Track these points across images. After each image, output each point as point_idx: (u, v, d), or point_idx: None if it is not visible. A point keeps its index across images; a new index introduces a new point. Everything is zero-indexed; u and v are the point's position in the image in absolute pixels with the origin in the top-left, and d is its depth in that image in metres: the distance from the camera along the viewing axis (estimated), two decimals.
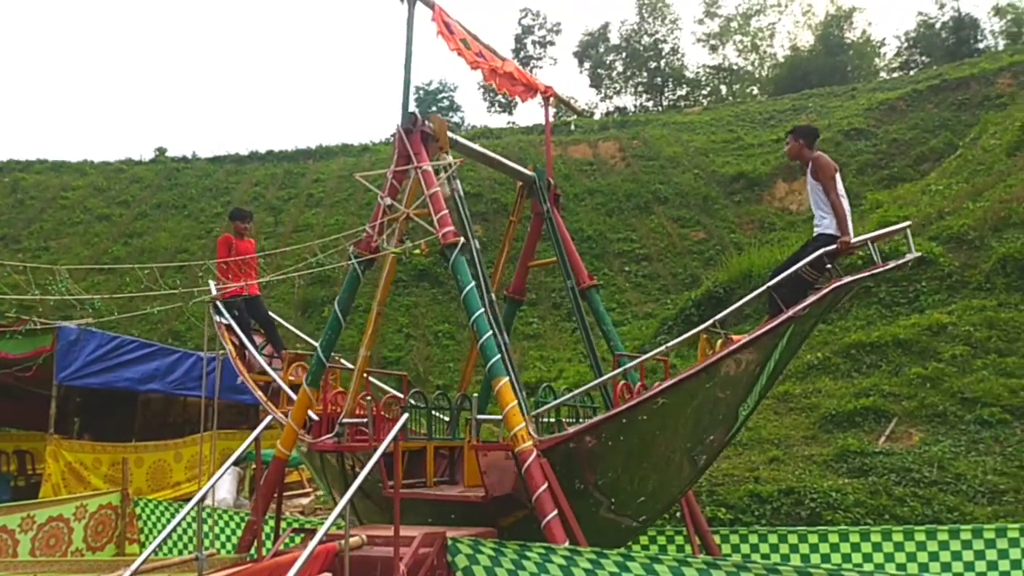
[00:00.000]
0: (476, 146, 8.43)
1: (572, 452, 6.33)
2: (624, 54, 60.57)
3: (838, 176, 6.85)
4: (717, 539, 8.29)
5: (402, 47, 7.52)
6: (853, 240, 6.61)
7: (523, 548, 5.54)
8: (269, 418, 8.23)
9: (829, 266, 6.64)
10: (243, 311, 9.97)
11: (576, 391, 7.29)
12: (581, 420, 7.40)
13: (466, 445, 7.27)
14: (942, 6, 52.97)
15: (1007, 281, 14.49)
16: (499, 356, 6.55)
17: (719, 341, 6.53)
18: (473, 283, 6.84)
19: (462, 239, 6.96)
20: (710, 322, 6.59)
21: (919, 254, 7.74)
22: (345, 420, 7.43)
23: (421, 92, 59.45)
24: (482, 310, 6.71)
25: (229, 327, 9.66)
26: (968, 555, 7.43)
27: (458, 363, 23.88)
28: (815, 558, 7.88)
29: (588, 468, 6.38)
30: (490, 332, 6.64)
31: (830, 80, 47.81)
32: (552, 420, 7.17)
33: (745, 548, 8.23)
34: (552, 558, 5.40)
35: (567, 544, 5.71)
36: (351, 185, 34.05)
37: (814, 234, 6.88)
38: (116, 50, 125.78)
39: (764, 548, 8.15)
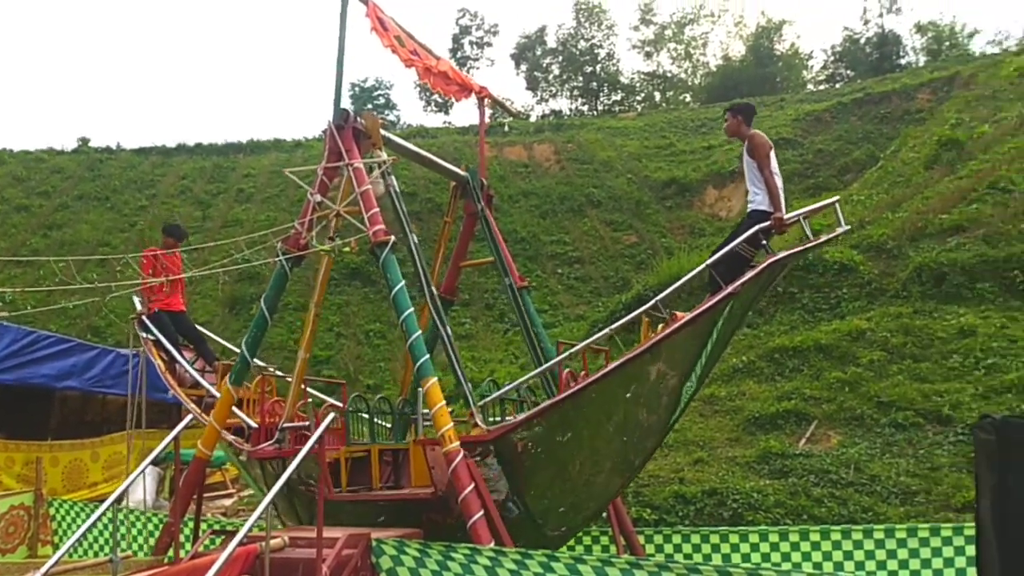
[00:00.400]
0: (410, 145, 8.37)
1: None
2: (561, 58, 60.97)
3: (772, 154, 6.99)
4: (642, 539, 8.39)
5: (336, 42, 7.43)
6: (786, 216, 6.75)
7: (448, 549, 5.52)
8: (189, 417, 8.04)
9: (764, 243, 6.77)
10: (168, 325, 9.75)
11: (521, 379, 7.32)
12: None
13: (411, 444, 7.22)
14: (867, 22, 54.83)
15: (922, 289, 15.04)
16: (427, 357, 6.52)
17: (660, 325, 6.59)
18: (403, 282, 6.80)
19: (392, 238, 6.90)
20: (651, 303, 6.66)
21: (848, 227, 7.96)
22: (286, 425, 7.32)
23: (356, 89, 58.86)
24: (411, 310, 6.66)
25: (157, 342, 9.42)
26: (881, 554, 7.68)
27: (389, 363, 23.71)
28: (736, 557, 8.04)
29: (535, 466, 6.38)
30: (419, 332, 6.60)
31: (760, 90, 48.90)
32: (497, 417, 7.18)
33: (669, 548, 8.35)
34: (477, 559, 5.39)
35: (492, 545, 5.71)
36: (283, 181, 33.50)
37: (748, 210, 7.02)
38: (38, 34, 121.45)
39: (687, 548, 8.28)
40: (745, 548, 8.06)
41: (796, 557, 7.85)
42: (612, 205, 32.51)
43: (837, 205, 7.15)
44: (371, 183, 7.24)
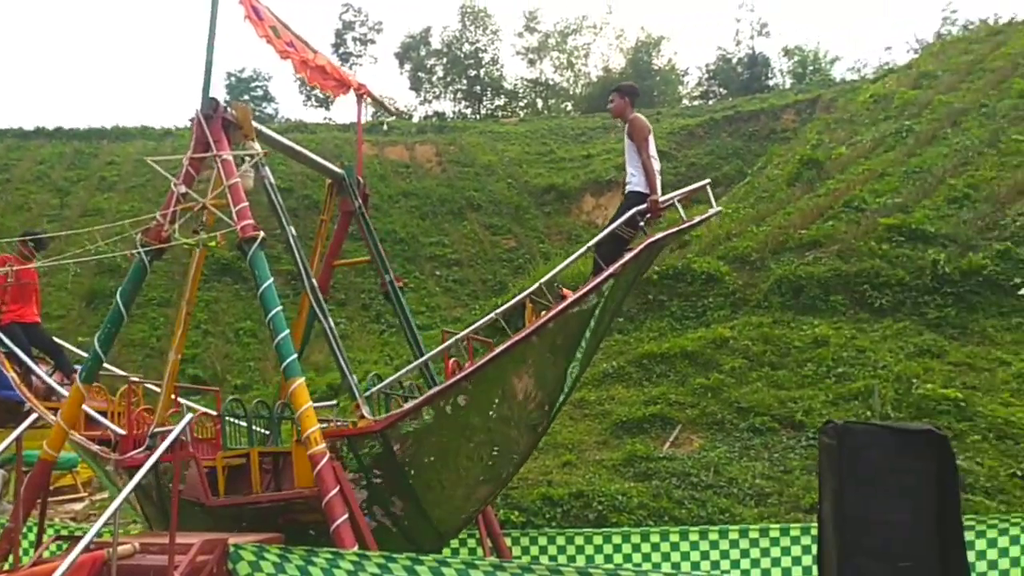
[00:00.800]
0: (283, 138, 8.16)
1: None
2: (445, 59, 60.87)
3: (651, 138, 7.23)
4: (508, 541, 8.46)
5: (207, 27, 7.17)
6: (661, 198, 6.96)
7: (310, 553, 5.40)
8: (34, 416, 7.57)
9: (642, 224, 6.96)
10: (21, 337, 9.19)
11: (407, 368, 7.28)
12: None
13: (293, 446, 7.01)
14: (739, 43, 57.22)
15: (782, 300, 15.81)
16: (295, 356, 6.38)
17: (542, 311, 6.67)
18: (271, 280, 6.62)
19: (262, 233, 6.71)
20: (535, 286, 6.75)
21: (720, 209, 8.27)
22: (157, 430, 6.99)
23: (233, 78, 56.86)
24: (279, 308, 6.50)
25: (9, 354, 8.86)
26: (735, 553, 8.03)
27: (259, 362, 23.04)
28: (599, 559, 8.22)
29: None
30: (286, 332, 6.45)
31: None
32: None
33: (535, 550, 8.45)
34: (340, 563, 5.30)
35: (356, 549, 5.62)
36: (150, 170, 31.84)
37: (626, 192, 7.21)
38: None
39: (552, 550, 8.40)
40: (608, 549, 8.26)
41: (656, 557, 8.10)
42: (492, 209, 32.70)
43: (708, 188, 7.43)
44: (241, 176, 7.02)
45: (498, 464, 6.75)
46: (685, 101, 55.29)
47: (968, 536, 7.25)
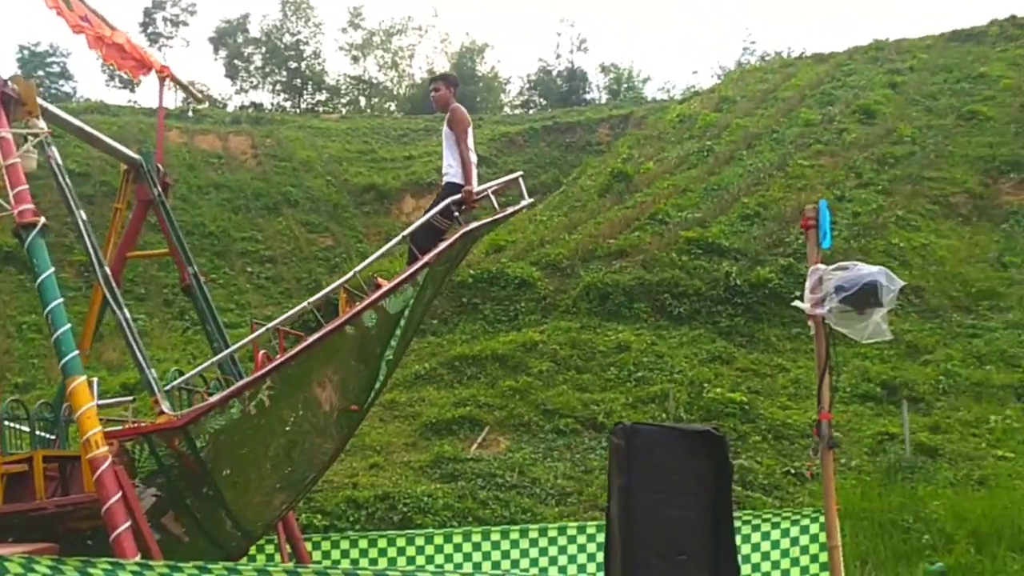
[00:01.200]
0: (74, 119, 7.57)
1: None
2: (264, 49, 58.82)
3: (471, 131, 7.27)
4: (309, 546, 8.24)
5: None
6: (476, 189, 7.02)
7: (85, 564, 5.02)
8: None
9: (457, 214, 6.99)
10: None
11: (212, 359, 6.91)
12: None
13: (81, 447, 6.44)
14: (559, 56, 59.03)
15: (590, 306, 16.44)
16: (76, 353, 5.91)
17: (357, 301, 6.54)
18: (52, 269, 6.10)
19: (42, 220, 6.18)
20: (350, 275, 6.61)
21: (532, 200, 8.45)
22: None
23: (25, 52, 52.39)
24: (60, 300, 6.00)
25: None
26: (534, 552, 8.22)
27: (45, 359, 21.27)
28: (401, 561, 8.17)
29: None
30: (67, 326, 5.96)
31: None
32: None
33: (336, 554, 8.29)
34: (119, 574, 4.97)
35: (138, 558, 5.29)
36: None
37: (443, 182, 7.23)
38: None
39: (354, 553, 8.27)
40: (411, 551, 8.22)
41: (458, 558, 8.16)
42: (309, 206, 31.92)
43: (521, 180, 7.59)
44: (22, 156, 6.45)
45: (305, 461, 6.58)
46: (507, 109, 56.39)
47: (745, 530, 7.81)
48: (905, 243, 18.40)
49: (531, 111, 53.14)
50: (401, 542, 8.27)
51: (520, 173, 7.71)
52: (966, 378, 13.91)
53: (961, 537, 8.95)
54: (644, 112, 37.15)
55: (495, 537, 8.20)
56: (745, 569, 7.47)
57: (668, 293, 16.51)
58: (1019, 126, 23.58)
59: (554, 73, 57.71)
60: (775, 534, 8.08)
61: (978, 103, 25.35)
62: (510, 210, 7.37)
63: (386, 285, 6.47)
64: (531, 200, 7.85)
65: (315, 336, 6.22)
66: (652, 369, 14.05)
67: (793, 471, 11.22)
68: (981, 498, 9.84)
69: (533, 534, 8.24)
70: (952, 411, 13.10)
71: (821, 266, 5.24)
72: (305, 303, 6.96)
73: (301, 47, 59.34)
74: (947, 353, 14.77)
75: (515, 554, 8.21)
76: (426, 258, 6.52)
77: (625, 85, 55.93)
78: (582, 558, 8.20)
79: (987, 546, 8.82)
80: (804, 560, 7.91)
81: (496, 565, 8.04)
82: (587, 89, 56.36)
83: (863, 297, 5.03)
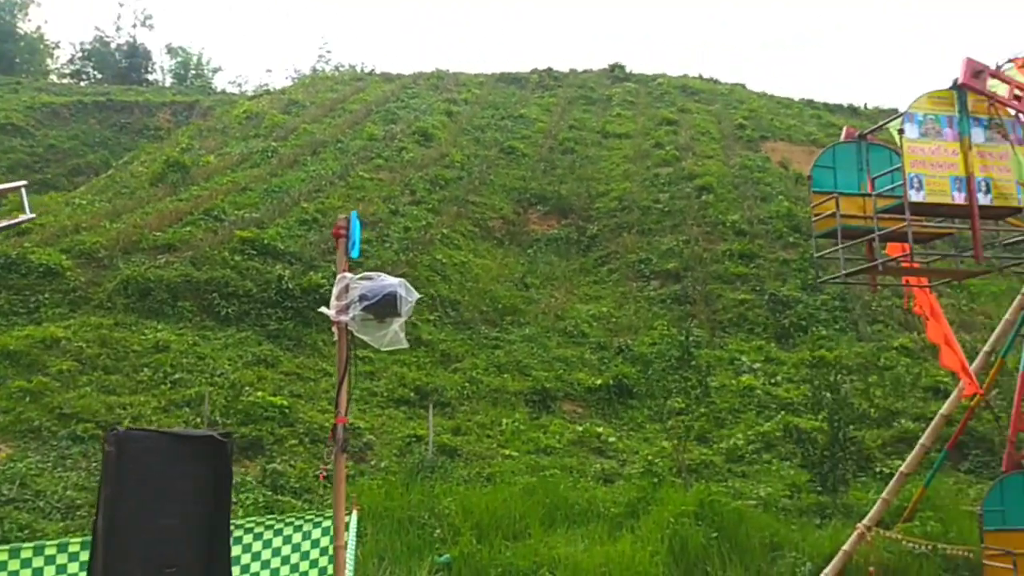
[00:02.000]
0: None
1: None
2: None
3: None
4: None
5: None
6: None
7: None
8: None
9: None
10: None
11: None
12: None
13: None
14: (119, 29, 54.22)
15: (127, 302, 15.19)
16: None
17: None
18: None
19: None
20: None
21: (34, 215, 7.53)
22: None
23: None
24: None
25: None
26: (26, 573, 7.30)
27: None
28: None
29: None
30: None
31: None
32: None
33: None
34: None
35: None
36: None
37: None
38: None
39: None
40: None
41: None
42: None
43: (23, 191, 6.75)
44: None
45: None
46: (53, 77, 50.26)
47: (267, 535, 7.75)
48: (448, 259, 19.95)
49: (83, 83, 48.00)
50: None
51: (24, 183, 6.88)
52: (487, 384, 15.45)
53: (467, 529, 9.84)
54: (211, 103, 35.66)
55: None
56: None
57: (217, 293, 15.92)
58: (548, 164, 27.03)
59: (113, 46, 52.82)
60: (296, 537, 8.13)
61: (517, 140, 28.57)
62: (4, 223, 6.54)
63: None
64: (32, 216, 7.04)
65: None
66: (191, 371, 13.38)
67: (326, 474, 11.45)
68: (487, 493, 10.94)
69: (26, 553, 7.29)
70: (473, 414, 14.44)
71: (348, 274, 5.41)
72: None
73: None
74: (473, 362, 16.27)
75: None
76: None
77: (193, 71, 53.24)
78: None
79: (487, 536, 9.82)
80: (304, 566, 8.07)
81: None
82: (150, 69, 52.56)
83: (384, 307, 5.29)
